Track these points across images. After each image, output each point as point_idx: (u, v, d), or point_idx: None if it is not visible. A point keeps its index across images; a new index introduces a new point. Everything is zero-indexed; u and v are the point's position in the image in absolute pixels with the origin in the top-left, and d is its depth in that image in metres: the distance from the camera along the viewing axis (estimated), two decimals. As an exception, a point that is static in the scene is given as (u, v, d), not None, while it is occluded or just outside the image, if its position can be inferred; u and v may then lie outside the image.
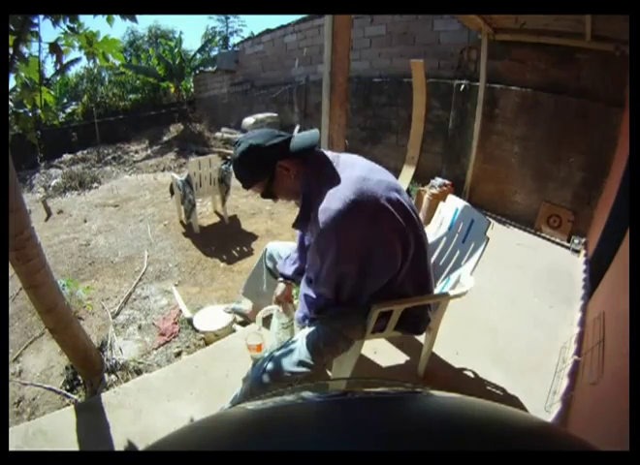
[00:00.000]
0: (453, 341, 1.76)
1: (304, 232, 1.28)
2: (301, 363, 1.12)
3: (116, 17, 1.34)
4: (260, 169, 1.06)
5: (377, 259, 1.04)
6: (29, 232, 1.36)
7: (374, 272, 1.07)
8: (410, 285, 1.17)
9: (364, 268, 1.05)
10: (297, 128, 6.41)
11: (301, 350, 1.14)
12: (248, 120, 6.52)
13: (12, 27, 1.16)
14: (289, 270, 1.43)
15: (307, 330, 1.22)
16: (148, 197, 4.97)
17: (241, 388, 1.21)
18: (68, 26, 1.36)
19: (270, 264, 1.61)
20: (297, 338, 1.20)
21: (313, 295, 1.19)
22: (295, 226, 1.17)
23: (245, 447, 0.32)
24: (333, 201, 0.96)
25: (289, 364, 1.12)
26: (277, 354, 1.16)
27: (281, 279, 1.47)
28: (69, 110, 9.50)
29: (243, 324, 2.02)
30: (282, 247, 1.59)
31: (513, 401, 1.49)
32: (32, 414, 1.69)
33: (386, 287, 1.13)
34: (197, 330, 2.08)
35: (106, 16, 1.33)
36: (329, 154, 1.10)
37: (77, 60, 8.49)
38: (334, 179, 1.01)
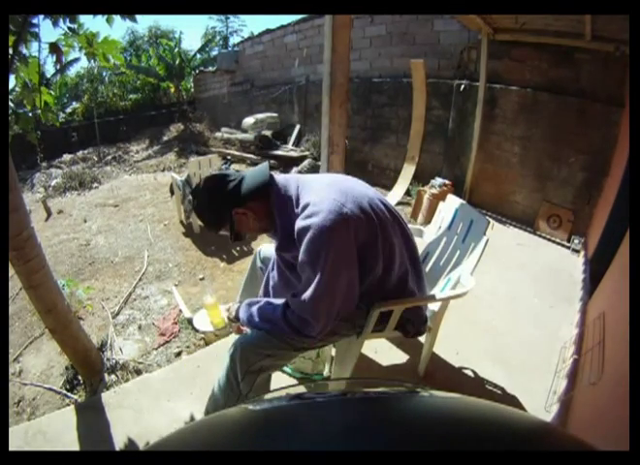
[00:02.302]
0: (453, 341, 1.76)
1: (291, 252, 1.15)
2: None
3: (116, 17, 1.35)
4: (217, 220, 1.07)
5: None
6: (29, 232, 1.36)
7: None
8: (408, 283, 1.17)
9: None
10: (297, 128, 6.42)
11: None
12: (248, 120, 6.52)
13: (12, 27, 1.16)
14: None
15: None
16: (148, 197, 4.97)
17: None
18: (68, 27, 1.36)
19: (262, 266, 1.59)
20: None
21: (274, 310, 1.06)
22: (280, 250, 1.13)
23: (246, 447, 0.32)
24: (312, 213, 0.95)
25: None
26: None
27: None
28: (69, 110, 9.50)
29: (243, 324, 2.02)
30: (273, 250, 1.56)
31: (513, 401, 1.49)
32: (32, 414, 1.69)
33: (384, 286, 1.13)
34: (197, 330, 2.07)
35: (106, 17, 1.33)
36: (286, 178, 1.10)
37: (77, 60, 8.52)
38: (303, 198, 1.01)
